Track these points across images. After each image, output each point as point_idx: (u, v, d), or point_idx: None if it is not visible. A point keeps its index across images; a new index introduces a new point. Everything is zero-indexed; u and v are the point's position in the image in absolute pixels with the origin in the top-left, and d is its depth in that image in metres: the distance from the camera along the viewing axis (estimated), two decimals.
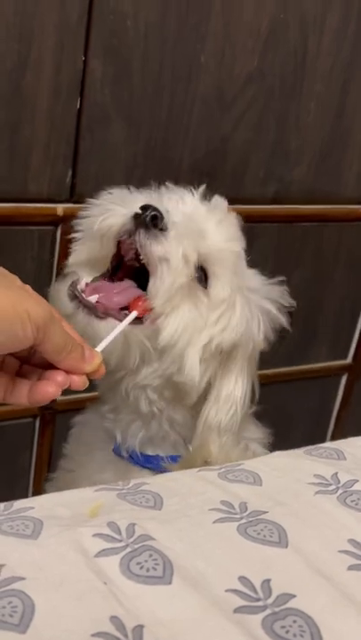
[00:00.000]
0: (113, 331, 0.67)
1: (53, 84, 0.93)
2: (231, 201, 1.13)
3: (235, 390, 0.78)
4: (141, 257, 0.71)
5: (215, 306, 0.75)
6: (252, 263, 0.83)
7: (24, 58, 0.90)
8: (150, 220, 0.69)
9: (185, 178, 1.08)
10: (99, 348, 0.62)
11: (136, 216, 0.70)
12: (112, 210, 0.72)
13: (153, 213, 0.69)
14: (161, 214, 0.70)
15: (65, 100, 0.95)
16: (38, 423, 1.11)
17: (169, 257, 0.70)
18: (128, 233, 0.70)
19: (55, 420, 1.11)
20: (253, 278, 0.82)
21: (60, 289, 0.72)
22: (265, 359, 1.27)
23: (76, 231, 0.77)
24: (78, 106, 0.97)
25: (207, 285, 0.75)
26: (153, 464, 0.80)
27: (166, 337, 0.72)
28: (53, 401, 1.10)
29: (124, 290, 0.72)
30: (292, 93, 1.10)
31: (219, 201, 0.80)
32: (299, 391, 1.36)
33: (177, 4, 0.97)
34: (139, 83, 0.99)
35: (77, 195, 1.01)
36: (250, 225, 0.93)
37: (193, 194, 0.78)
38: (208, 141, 1.08)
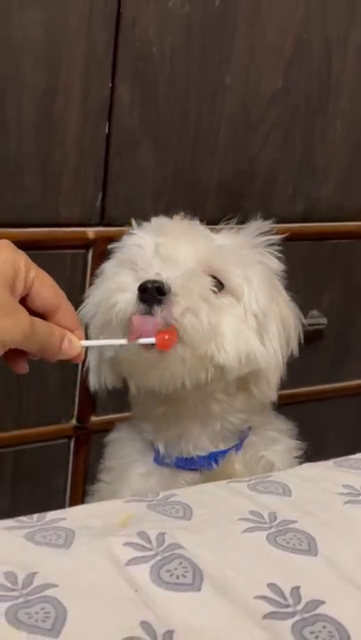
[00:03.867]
0: (107, 341, 0.73)
1: (82, 109, 0.96)
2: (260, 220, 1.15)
3: (284, 312, 0.81)
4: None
5: (240, 292, 0.77)
6: (283, 280, 0.85)
7: (53, 85, 0.93)
8: (157, 294, 0.71)
9: (213, 198, 1.10)
10: (84, 343, 0.66)
11: (142, 299, 0.71)
12: (113, 303, 0.74)
13: (155, 286, 0.71)
14: (161, 283, 0.71)
15: (94, 125, 0.98)
16: (73, 444, 1.13)
17: (191, 307, 0.72)
18: (142, 312, 0.72)
19: (90, 440, 1.12)
20: (227, 237, 0.83)
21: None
22: (299, 378, 1.27)
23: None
24: (107, 130, 0.99)
25: (221, 284, 0.77)
26: (198, 464, 0.81)
27: (237, 365, 0.75)
28: (88, 421, 1.12)
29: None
30: (317, 111, 1.12)
31: (159, 221, 0.82)
32: (334, 409, 1.36)
33: (201, 28, 0.99)
34: (165, 106, 1.01)
35: (108, 218, 1.04)
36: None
37: (140, 235, 0.80)
38: (235, 161, 1.09)
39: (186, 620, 0.45)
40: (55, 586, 0.47)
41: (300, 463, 0.86)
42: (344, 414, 1.38)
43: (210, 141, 1.06)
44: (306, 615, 0.46)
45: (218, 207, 1.10)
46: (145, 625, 0.44)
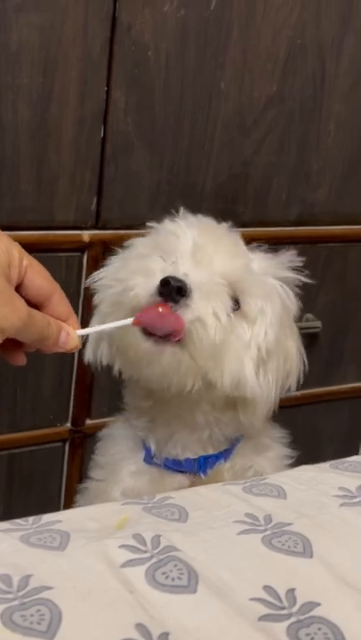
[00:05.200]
0: (103, 325, 0.71)
1: (78, 114, 0.96)
2: (255, 224, 1.16)
3: (290, 348, 0.81)
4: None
5: (253, 320, 0.77)
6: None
7: (48, 90, 0.93)
8: (177, 294, 0.70)
9: (208, 203, 1.10)
10: (79, 332, 0.66)
11: (161, 293, 0.70)
12: (133, 285, 0.73)
13: (177, 285, 0.70)
14: (184, 284, 0.70)
15: (89, 129, 0.98)
16: (68, 447, 1.13)
17: (202, 318, 0.71)
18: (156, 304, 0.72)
19: (84, 443, 1.12)
20: (259, 259, 0.83)
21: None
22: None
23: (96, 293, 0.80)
24: (102, 135, 0.99)
25: (238, 304, 0.76)
26: (186, 467, 0.82)
27: (228, 388, 0.75)
28: (82, 424, 1.12)
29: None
30: (311, 116, 1.12)
31: (204, 221, 0.82)
32: (328, 412, 1.36)
33: (196, 33, 0.99)
34: (161, 111, 1.02)
35: (103, 221, 1.04)
36: (274, 247, 0.95)
37: (181, 226, 0.79)
38: (230, 166, 1.10)
39: (181, 622, 0.45)
40: (50, 588, 0.47)
41: None
42: (338, 417, 1.38)
43: (205, 146, 1.07)
44: (301, 617, 0.46)
45: (213, 211, 1.10)
46: (140, 627, 0.44)
